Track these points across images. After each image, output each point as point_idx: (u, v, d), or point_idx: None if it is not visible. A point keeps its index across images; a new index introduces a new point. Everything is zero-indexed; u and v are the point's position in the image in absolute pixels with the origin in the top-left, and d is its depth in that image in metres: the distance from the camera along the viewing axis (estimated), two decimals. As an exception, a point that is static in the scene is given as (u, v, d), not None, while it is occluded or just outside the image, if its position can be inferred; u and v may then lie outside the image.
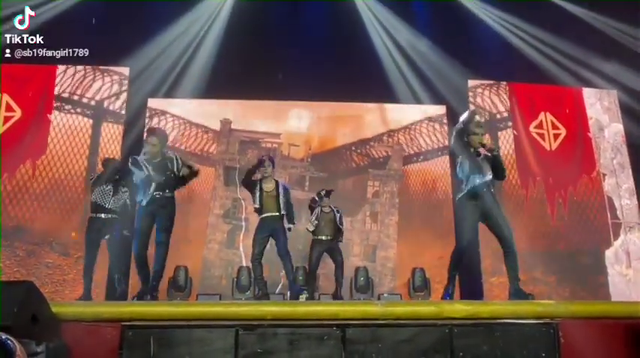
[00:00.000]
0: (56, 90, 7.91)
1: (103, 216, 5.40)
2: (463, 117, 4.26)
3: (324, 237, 6.01)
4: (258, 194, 5.34)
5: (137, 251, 4.64)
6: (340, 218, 6.15)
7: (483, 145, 4.03)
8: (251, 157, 8.21)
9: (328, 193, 6.18)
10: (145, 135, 5.04)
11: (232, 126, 8.29)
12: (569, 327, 2.94)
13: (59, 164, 7.61)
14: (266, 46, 7.87)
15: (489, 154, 4.06)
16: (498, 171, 4.13)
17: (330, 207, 6.12)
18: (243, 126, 8.33)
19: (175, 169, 4.65)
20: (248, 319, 2.83)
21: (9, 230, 7.06)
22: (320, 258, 6.07)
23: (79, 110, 7.94)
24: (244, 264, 7.05)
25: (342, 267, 6.12)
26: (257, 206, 5.35)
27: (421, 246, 7.84)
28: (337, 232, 6.09)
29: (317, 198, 6.23)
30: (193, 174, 4.79)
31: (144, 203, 4.61)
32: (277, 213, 5.33)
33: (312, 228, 6.03)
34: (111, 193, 5.42)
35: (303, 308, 3.10)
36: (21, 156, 7.50)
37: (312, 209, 6.25)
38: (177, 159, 4.73)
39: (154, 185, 4.56)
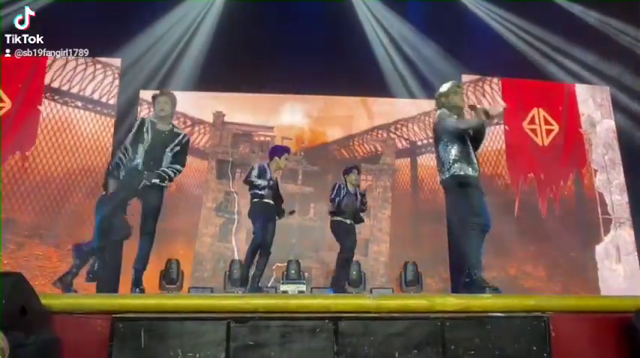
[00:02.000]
0: (46, 81, 7.83)
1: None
2: (442, 87, 3.97)
3: (348, 221, 5.64)
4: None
5: (105, 214, 4.18)
6: (362, 198, 5.83)
7: (472, 107, 3.76)
8: (243, 150, 8.18)
9: (356, 169, 5.83)
10: (153, 95, 4.33)
11: (225, 119, 8.25)
12: (560, 321, 2.96)
13: (49, 155, 7.54)
14: (259, 38, 7.82)
15: (483, 116, 3.59)
16: (479, 138, 3.81)
17: (354, 186, 5.78)
18: (236, 119, 8.29)
19: (170, 149, 4.08)
20: (240, 312, 2.81)
21: (-2, 222, 7.00)
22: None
23: (69, 101, 7.86)
24: (236, 258, 7.04)
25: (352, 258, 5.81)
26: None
27: (413, 241, 7.87)
28: (358, 215, 5.78)
29: (343, 175, 5.88)
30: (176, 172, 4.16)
31: (129, 171, 4.04)
32: (272, 202, 5.31)
33: (333, 209, 5.56)
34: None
35: (296, 301, 3.09)
36: (10, 147, 7.42)
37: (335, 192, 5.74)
38: (181, 143, 4.12)
39: (143, 157, 3.98)
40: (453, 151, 3.74)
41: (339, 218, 5.75)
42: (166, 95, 4.31)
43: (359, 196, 5.85)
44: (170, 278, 6.35)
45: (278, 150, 5.58)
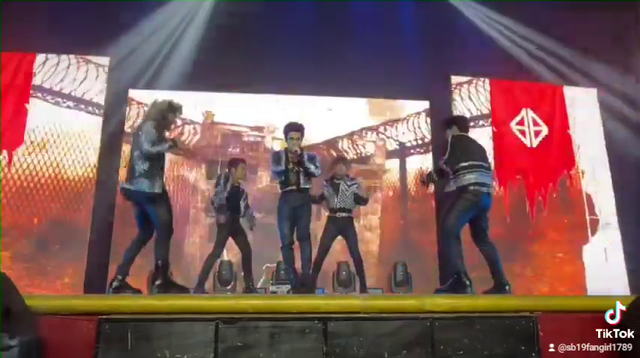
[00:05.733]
0: (34, 79, 7.72)
1: None
2: None
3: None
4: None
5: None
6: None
7: None
8: (233, 151, 8.14)
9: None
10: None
11: (215, 119, 8.20)
12: (547, 321, 2.98)
13: (37, 154, 7.44)
14: (249, 37, 7.79)
15: None
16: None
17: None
18: (226, 119, 8.24)
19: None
20: (229, 312, 2.80)
21: (-16, 222, 6.89)
22: None
23: (57, 100, 7.76)
24: (226, 258, 6.99)
25: None
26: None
27: (403, 241, 7.87)
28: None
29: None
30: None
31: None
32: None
33: None
34: None
35: (285, 301, 3.08)
36: (-3, 146, 7.31)
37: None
38: None
39: None
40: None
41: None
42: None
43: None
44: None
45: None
